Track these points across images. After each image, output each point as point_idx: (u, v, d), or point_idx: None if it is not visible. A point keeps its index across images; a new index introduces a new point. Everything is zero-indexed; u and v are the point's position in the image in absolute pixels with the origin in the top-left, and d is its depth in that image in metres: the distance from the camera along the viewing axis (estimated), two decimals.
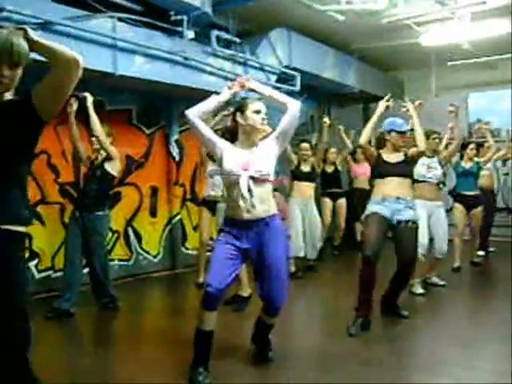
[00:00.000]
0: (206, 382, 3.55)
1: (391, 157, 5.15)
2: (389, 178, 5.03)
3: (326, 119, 7.87)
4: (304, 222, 7.59)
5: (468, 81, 10.99)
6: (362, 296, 4.72)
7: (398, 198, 4.94)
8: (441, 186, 6.52)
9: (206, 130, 3.77)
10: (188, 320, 4.39)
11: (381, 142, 5.26)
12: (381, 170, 5.12)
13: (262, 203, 3.64)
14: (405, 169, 5.14)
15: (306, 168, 7.62)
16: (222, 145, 3.75)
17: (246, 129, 3.74)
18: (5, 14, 5.13)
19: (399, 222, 4.93)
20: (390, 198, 4.95)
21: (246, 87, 3.87)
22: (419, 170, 6.10)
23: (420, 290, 6.18)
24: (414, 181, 6.10)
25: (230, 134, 3.86)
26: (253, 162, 3.65)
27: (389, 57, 10.70)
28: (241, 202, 3.61)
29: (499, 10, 7.62)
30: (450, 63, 10.43)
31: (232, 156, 3.68)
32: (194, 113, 3.68)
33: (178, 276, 8.14)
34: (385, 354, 4.20)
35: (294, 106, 3.83)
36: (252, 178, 3.61)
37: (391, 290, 5.19)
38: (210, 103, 3.76)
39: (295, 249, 7.36)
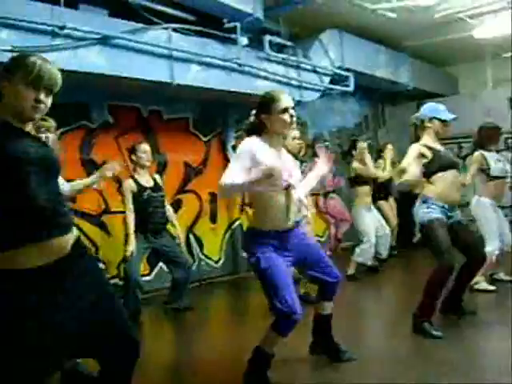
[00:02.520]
0: None
1: (436, 146, 4.72)
2: (444, 173, 4.63)
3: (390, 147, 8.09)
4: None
5: None
6: (433, 299, 4.53)
7: (456, 203, 4.68)
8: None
9: (245, 175, 3.25)
10: (253, 323, 4.35)
11: (418, 132, 4.79)
12: (435, 164, 4.64)
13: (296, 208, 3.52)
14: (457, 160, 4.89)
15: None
16: (261, 157, 3.33)
17: (274, 129, 3.49)
18: (66, 31, 5.32)
19: (458, 221, 4.69)
20: (451, 204, 4.63)
21: None
22: (497, 165, 6.01)
23: (488, 287, 6.02)
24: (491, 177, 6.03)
25: (253, 131, 3.56)
26: (291, 169, 3.54)
27: (442, 52, 10.55)
28: (280, 214, 3.41)
29: None
30: (504, 55, 10.21)
31: (274, 163, 3.25)
32: (227, 193, 3.55)
33: (239, 280, 8.20)
34: (454, 354, 4.07)
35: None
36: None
37: (457, 287, 4.96)
38: (245, 185, 3.24)
39: (365, 256, 7.32)
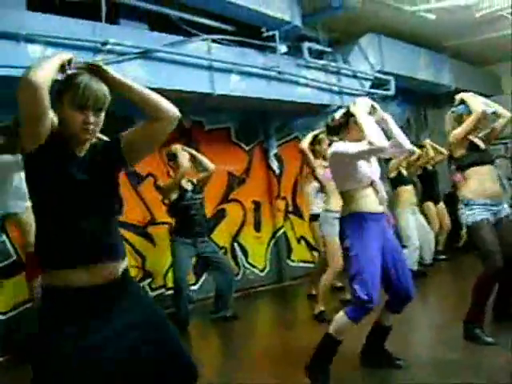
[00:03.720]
0: None
1: (476, 141, 4.60)
2: (485, 168, 4.49)
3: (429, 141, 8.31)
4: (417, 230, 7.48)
5: None
6: (482, 304, 4.38)
7: (497, 196, 4.49)
8: None
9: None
10: (301, 332, 4.30)
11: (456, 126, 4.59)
12: (473, 157, 4.50)
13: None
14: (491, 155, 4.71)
15: (404, 172, 7.58)
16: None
17: (356, 134, 3.72)
18: (108, 46, 5.42)
19: (506, 216, 4.51)
20: (492, 197, 4.45)
21: None
22: None
23: None
24: None
25: (334, 130, 3.87)
26: (375, 168, 3.85)
27: (483, 51, 10.38)
28: (373, 201, 3.70)
29: None
30: None
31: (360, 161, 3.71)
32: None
33: (285, 289, 8.18)
34: (503, 362, 3.93)
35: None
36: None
37: (504, 292, 4.74)
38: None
39: (409, 261, 7.13)
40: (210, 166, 6.05)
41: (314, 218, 6.43)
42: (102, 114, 2.26)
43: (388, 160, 7.34)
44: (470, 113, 4.46)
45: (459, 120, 4.56)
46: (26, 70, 2.02)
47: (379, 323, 3.92)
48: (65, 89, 2.20)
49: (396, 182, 7.54)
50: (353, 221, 3.68)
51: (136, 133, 2.36)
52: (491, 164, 4.56)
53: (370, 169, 3.77)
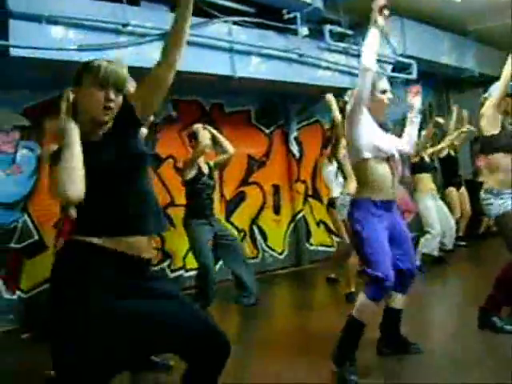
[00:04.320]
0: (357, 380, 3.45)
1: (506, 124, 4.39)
2: (504, 155, 4.24)
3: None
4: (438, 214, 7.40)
5: None
6: (506, 293, 4.23)
7: None
8: None
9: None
10: (321, 315, 4.25)
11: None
12: (503, 140, 4.26)
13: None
14: None
15: (427, 158, 7.52)
16: (366, 119, 3.63)
17: (374, 108, 3.67)
18: (129, 28, 5.43)
19: None
20: None
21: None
22: None
23: None
24: None
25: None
26: (388, 139, 3.74)
27: (509, 35, 10.20)
28: (388, 181, 3.62)
29: None
30: None
31: (377, 132, 3.66)
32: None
33: (304, 272, 8.20)
34: None
35: (410, 149, 4.05)
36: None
37: None
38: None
39: (430, 246, 7.17)
40: (230, 148, 6.00)
41: (332, 201, 6.38)
42: (121, 97, 2.32)
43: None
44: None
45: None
46: None
47: (389, 309, 3.87)
48: (85, 70, 2.27)
49: (417, 168, 7.47)
50: (362, 206, 3.64)
51: (142, 88, 2.40)
52: None
53: (386, 142, 3.70)
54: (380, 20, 3.57)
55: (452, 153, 8.80)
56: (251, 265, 6.33)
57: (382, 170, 3.62)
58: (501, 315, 4.29)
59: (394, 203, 3.74)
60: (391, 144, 3.72)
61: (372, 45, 3.54)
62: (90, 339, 2.14)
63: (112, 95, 2.25)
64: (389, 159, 3.65)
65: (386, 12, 3.56)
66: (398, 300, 3.84)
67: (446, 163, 8.81)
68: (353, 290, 5.72)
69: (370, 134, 3.59)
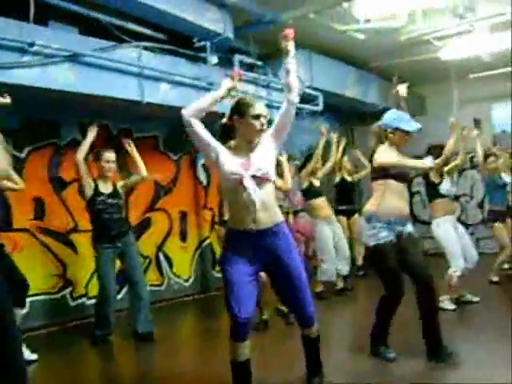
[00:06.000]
0: None
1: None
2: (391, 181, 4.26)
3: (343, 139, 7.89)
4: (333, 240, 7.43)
5: (490, 92, 10.92)
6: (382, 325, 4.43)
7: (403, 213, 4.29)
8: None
9: (202, 130, 3.43)
10: (225, 342, 4.21)
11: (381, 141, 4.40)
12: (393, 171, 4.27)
13: (265, 209, 3.35)
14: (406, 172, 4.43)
15: (317, 183, 7.48)
16: (219, 147, 3.44)
17: (245, 133, 3.47)
18: (35, 48, 5.29)
19: (408, 233, 4.30)
20: (397, 214, 4.25)
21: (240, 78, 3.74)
22: (445, 184, 6.09)
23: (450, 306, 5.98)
24: (439, 196, 6.09)
25: (226, 133, 3.56)
26: (252, 160, 3.39)
27: (409, 72, 10.65)
28: (244, 209, 3.32)
29: None
30: (471, 76, 10.41)
31: (230, 157, 3.40)
32: (189, 112, 3.40)
33: (209, 299, 8.16)
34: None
35: (295, 97, 3.57)
36: (253, 177, 3.33)
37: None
38: (206, 100, 3.47)
39: (327, 273, 7.22)
40: (144, 171, 5.88)
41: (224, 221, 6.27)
42: None
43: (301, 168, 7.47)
44: (394, 129, 4.29)
45: (384, 136, 4.38)
46: None
47: (303, 334, 3.69)
48: None
49: (308, 194, 7.43)
50: (227, 236, 3.54)
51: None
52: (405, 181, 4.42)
53: (242, 162, 3.39)
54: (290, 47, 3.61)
55: (348, 179, 8.82)
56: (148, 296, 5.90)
57: (235, 196, 3.40)
58: (386, 343, 4.41)
59: (259, 233, 3.38)
60: (247, 165, 3.38)
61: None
62: None
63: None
64: (242, 183, 3.33)
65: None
66: (309, 330, 3.63)
67: (340, 190, 8.81)
68: (264, 317, 5.78)
69: (225, 159, 3.41)
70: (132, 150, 5.89)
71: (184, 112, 3.40)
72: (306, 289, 3.49)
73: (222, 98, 3.56)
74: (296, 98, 3.59)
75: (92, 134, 5.65)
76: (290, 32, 3.65)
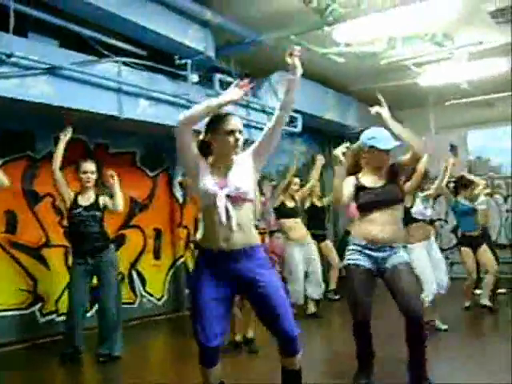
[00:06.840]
0: None
1: (369, 180, 4.26)
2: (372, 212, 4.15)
3: (320, 157, 7.73)
4: (305, 263, 7.40)
5: (467, 119, 11.09)
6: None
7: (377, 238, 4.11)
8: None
9: (191, 142, 3.24)
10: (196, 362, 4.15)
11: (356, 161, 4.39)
12: (361, 199, 4.21)
13: (240, 230, 3.19)
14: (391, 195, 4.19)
15: (290, 204, 7.43)
16: (202, 163, 3.28)
17: (219, 150, 3.31)
18: (13, 59, 5.23)
19: (385, 269, 4.12)
20: (371, 243, 4.13)
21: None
22: (416, 207, 6.11)
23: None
24: (413, 220, 6.09)
25: (203, 150, 3.34)
26: (229, 179, 3.23)
27: (388, 97, 10.65)
28: (217, 228, 3.17)
29: (495, 49, 7.75)
30: (448, 102, 10.55)
31: (208, 175, 3.23)
32: (184, 119, 3.13)
33: (182, 319, 8.05)
34: None
35: (286, 117, 3.43)
36: (229, 196, 3.17)
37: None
38: (204, 109, 3.17)
39: (294, 295, 7.12)
40: (120, 206, 5.66)
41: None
42: None
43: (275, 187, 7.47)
44: (370, 147, 4.26)
45: (360, 155, 4.39)
46: None
47: (284, 367, 3.38)
48: None
49: (279, 213, 7.36)
50: (199, 256, 3.41)
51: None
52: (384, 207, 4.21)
53: (219, 181, 3.24)
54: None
55: (318, 204, 8.63)
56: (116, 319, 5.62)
57: (208, 214, 3.24)
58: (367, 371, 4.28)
59: (232, 254, 3.21)
60: (223, 184, 3.23)
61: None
62: None
63: None
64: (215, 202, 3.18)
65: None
66: (291, 361, 3.33)
67: (311, 214, 8.64)
68: (250, 335, 5.71)
69: (202, 176, 3.25)
70: (115, 183, 5.60)
71: (181, 117, 3.14)
72: (285, 306, 3.23)
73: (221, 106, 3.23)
74: (287, 119, 3.46)
75: (63, 141, 5.49)
76: (297, 49, 3.41)
